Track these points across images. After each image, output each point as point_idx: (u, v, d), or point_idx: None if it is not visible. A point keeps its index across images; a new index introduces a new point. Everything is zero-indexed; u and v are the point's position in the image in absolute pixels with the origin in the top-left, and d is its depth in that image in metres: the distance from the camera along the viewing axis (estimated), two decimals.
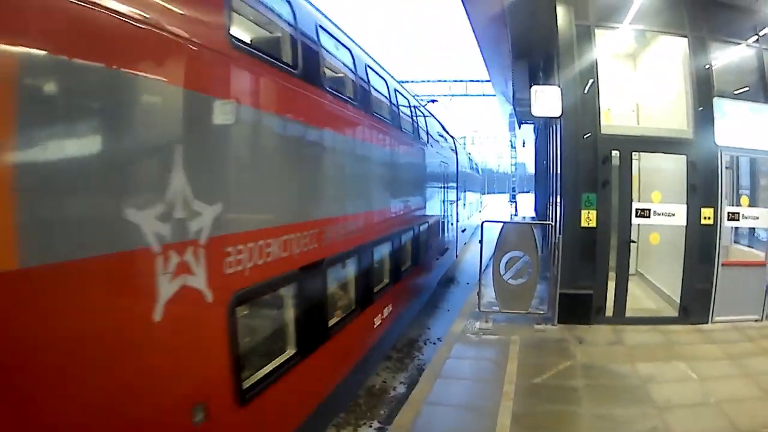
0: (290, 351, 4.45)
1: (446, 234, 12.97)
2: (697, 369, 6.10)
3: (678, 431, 4.71)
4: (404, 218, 8.57)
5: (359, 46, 6.81)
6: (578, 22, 7.99)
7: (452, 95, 28.24)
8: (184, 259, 2.98)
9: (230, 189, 3.50)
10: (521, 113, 15.24)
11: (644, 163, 9.53)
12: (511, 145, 39.72)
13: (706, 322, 7.80)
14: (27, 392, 2.24)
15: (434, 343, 9.13)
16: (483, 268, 8.68)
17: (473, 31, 12.16)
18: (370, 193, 6.85)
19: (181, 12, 3.06)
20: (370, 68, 7.08)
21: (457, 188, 15.00)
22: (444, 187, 12.67)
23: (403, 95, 9.08)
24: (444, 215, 12.61)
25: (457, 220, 15.09)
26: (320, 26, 5.25)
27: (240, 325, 3.62)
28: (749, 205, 8.16)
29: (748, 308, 7.93)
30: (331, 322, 5.36)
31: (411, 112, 9.55)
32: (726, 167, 8.02)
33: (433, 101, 15.37)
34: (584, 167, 7.87)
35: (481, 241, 8.61)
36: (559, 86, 7.91)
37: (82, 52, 2.42)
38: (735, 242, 8.99)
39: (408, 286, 8.92)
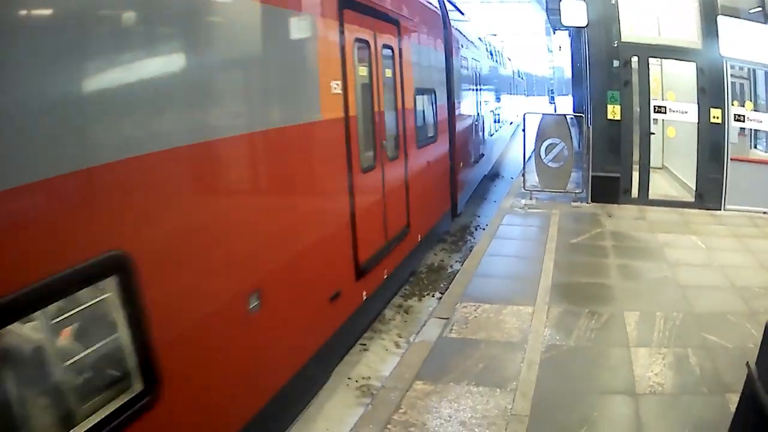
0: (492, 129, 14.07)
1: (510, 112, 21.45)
2: (705, 241, 7.24)
3: (684, 281, 5.83)
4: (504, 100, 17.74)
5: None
6: None
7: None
8: None
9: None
10: (554, 21, 16.04)
11: (666, 68, 10.27)
12: (549, 50, 39.38)
13: (719, 209, 8.87)
14: None
15: (483, 229, 9.57)
16: (526, 156, 9.79)
17: None
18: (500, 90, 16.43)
19: None
20: (500, 52, 17.98)
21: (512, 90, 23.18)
22: (510, 89, 21.47)
23: (502, 54, 19.03)
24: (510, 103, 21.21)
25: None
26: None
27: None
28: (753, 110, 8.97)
29: (759, 201, 8.85)
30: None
31: (499, 55, 18.08)
32: (740, 76, 8.92)
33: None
34: (609, 69, 8.96)
35: (524, 129, 9.62)
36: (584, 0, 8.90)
37: None
38: (754, 147, 9.83)
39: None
